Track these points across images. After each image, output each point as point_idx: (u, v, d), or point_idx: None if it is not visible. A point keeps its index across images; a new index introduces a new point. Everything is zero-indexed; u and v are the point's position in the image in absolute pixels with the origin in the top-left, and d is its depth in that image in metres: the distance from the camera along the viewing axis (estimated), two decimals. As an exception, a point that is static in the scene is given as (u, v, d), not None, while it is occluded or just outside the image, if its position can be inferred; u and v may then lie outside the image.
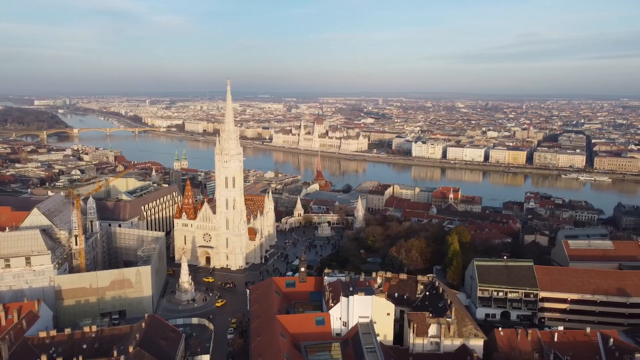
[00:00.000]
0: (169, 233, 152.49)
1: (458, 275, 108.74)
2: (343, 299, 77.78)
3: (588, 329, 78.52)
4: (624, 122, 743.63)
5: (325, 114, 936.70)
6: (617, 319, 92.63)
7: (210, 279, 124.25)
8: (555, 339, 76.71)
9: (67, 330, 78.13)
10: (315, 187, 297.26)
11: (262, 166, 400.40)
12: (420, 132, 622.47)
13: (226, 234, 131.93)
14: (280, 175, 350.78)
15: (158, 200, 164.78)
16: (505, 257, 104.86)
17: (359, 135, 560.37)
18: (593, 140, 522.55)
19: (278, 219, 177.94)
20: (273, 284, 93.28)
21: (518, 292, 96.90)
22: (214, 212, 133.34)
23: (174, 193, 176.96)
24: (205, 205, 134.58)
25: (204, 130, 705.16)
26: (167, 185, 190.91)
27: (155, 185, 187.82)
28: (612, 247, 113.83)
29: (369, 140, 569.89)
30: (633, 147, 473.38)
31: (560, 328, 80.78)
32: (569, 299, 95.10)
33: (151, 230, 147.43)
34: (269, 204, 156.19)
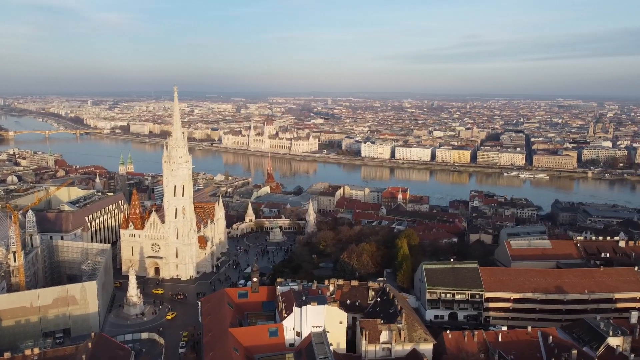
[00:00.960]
0: (115, 243, 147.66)
1: (408, 279, 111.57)
2: (296, 309, 78.11)
3: (529, 328, 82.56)
4: (560, 121, 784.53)
5: (275, 114, 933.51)
6: (556, 316, 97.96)
7: (160, 291, 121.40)
8: (500, 339, 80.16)
9: (7, 354, 74.21)
10: (266, 189, 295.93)
11: (212, 168, 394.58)
12: (369, 132, 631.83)
13: (176, 244, 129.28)
14: (230, 178, 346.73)
15: (103, 210, 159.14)
16: (452, 260, 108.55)
17: (309, 136, 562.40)
18: (532, 139, 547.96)
19: (229, 224, 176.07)
20: (225, 295, 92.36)
21: (464, 293, 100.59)
22: (163, 222, 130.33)
23: (120, 202, 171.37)
24: (154, 214, 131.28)
25: (151, 132, 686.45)
26: (112, 194, 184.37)
27: (100, 194, 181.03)
28: (550, 246, 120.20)
29: (319, 140, 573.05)
30: (568, 145, 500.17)
31: (504, 328, 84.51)
32: (511, 298, 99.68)
33: (96, 242, 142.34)
34: (219, 211, 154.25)
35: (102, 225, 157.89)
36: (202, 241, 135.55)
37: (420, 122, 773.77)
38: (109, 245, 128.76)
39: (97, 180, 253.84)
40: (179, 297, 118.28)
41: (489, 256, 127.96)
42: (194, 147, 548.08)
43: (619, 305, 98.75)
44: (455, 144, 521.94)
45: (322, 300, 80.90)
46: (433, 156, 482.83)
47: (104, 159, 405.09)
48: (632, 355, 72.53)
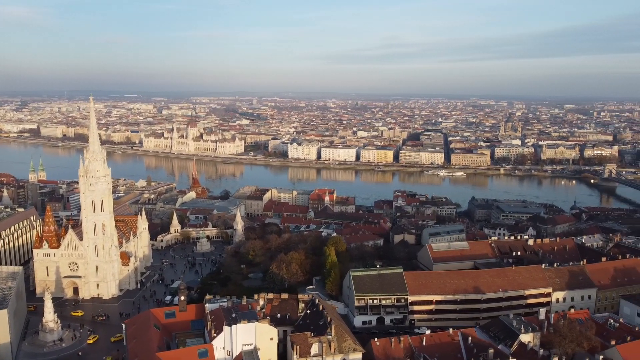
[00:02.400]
0: (27, 262, 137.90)
1: (336, 286, 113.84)
2: (226, 328, 77.31)
3: (451, 330, 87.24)
4: (474, 120, 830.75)
5: (199, 115, 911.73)
6: (474, 315, 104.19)
7: (80, 313, 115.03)
8: (424, 343, 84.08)
9: None
10: (191, 195, 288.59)
11: (133, 174, 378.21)
12: (295, 133, 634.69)
13: (96, 262, 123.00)
14: (153, 183, 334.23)
15: (12, 228, 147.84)
16: (378, 266, 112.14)
17: (235, 138, 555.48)
18: (449, 138, 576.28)
19: (153, 234, 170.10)
20: (151, 316, 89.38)
21: (391, 298, 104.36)
22: (81, 239, 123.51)
23: (31, 217, 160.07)
24: (70, 232, 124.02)
25: (64, 135, 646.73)
26: (22, 209, 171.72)
27: (9, 210, 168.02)
28: (468, 247, 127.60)
29: (245, 142, 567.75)
30: (482, 144, 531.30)
31: (428, 331, 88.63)
32: (434, 300, 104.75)
33: (5, 264, 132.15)
34: (142, 224, 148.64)
35: (11, 244, 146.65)
36: (125, 257, 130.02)
37: (344, 122, 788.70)
38: (21, 268, 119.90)
39: (5, 192, 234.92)
40: (100, 318, 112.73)
41: (413, 259, 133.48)
42: (112, 150, 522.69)
43: (529, 301, 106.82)
44: (379, 144, 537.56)
45: (252, 317, 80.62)
46: (358, 156, 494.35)
47: (11, 166, 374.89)
48: (541, 350, 78.80)
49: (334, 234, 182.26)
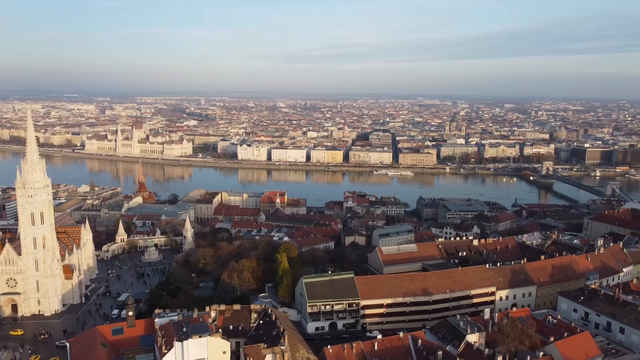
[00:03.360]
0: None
1: (289, 293, 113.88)
2: (177, 343, 75.74)
3: (401, 334, 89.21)
4: (421, 119, 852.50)
5: (145, 115, 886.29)
6: (424, 316, 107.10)
7: (20, 332, 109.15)
8: (376, 348, 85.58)
9: None
10: (138, 199, 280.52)
11: (75, 178, 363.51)
12: (244, 134, 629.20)
13: (36, 277, 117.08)
14: (97, 188, 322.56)
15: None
16: (330, 272, 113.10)
17: (182, 140, 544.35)
18: (397, 138, 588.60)
19: (98, 244, 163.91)
20: (97, 334, 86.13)
21: (343, 303, 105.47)
22: (19, 253, 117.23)
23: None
24: (7, 246, 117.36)
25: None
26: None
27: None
28: (417, 249, 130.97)
29: (193, 144, 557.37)
30: (429, 143, 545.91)
31: (379, 335, 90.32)
32: (384, 304, 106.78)
33: None
34: (86, 235, 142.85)
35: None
36: (68, 270, 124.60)
37: (294, 122, 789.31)
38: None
39: None
40: (42, 336, 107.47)
41: (364, 262, 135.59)
42: (52, 154, 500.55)
43: (475, 300, 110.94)
44: (329, 144, 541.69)
45: (203, 331, 79.48)
46: (308, 157, 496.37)
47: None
48: (487, 350, 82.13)
49: (286, 238, 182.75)
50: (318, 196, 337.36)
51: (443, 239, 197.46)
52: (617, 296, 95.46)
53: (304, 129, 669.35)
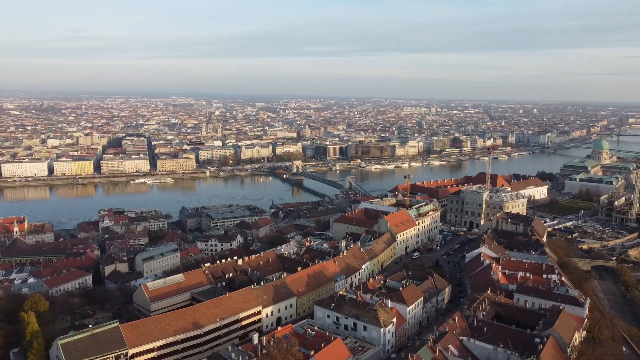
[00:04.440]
0: None
1: (42, 358, 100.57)
2: None
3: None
4: (176, 121, 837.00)
5: None
6: (197, 350, 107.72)
7: None
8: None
9: None
10: None
11: None
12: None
13: None
14: None
15: None
16: (90, 325, 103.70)
17: None
18: (153, 143, 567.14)
19: None
20: None
21: (109, 357, 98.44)
22: None
23: None
24: None
25: None
26: None
27: None
28: (184, 279, 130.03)
29: None
30: (187, 147, 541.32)
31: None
32: (155, 347, 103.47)
33: None
34: None
35: None
36: None
37: (29, 127, 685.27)
38: None
39: None
40: None
41: (129, 304, 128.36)
42: None
43: (244, 322, 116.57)
44: (76, 154, 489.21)
45: None
46: (51, 170, 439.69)
47: None
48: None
49: (31, 279, 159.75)
50: (68, 216, 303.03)
51: (210, 254, 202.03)
52: (359, 299, 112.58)
53: (43, 136, 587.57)
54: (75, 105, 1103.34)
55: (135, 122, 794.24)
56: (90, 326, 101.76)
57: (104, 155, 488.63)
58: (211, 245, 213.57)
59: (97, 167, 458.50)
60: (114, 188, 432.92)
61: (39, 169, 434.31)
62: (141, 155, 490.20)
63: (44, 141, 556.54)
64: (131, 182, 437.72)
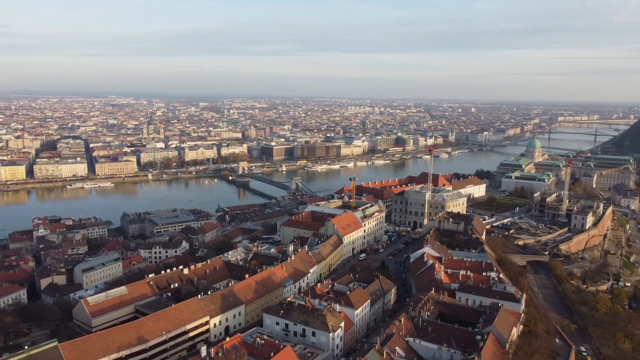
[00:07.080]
0: None
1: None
2: None
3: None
4: (115, 122, 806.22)
5: None
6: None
7: None
8: None
9: None
10: None
11: None
12: None
13: None
14: None
15: None
16: (26, 347, 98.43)
17: None
18: (91, 145, 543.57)
19: None
20: None
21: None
22: None
23: None
24: None
25: None
26: None
27: None
28: (127, 292, 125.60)
29: None
30: (127, 149, 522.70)
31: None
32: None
33: None
34: None
35: None
36: None
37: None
38: None
39: None
40: None
41: (68, 321, 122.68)
42: None
43: (192, 334, 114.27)
44: (5, 158, 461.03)
45: None
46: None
47: None
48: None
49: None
50: (0, 225, 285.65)
51: (154, 262, 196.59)
52: (308, 304, 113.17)
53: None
54: (4, 106, 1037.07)
55: (70, 124, 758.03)
56: (26, 347, 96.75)
57: (37, 159, 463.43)
58: (155, 252, 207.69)
59: (29, 172, 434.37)
60: (49, 194, 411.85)
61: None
62: (78, 159, 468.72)
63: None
64: (68, 187, 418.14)
